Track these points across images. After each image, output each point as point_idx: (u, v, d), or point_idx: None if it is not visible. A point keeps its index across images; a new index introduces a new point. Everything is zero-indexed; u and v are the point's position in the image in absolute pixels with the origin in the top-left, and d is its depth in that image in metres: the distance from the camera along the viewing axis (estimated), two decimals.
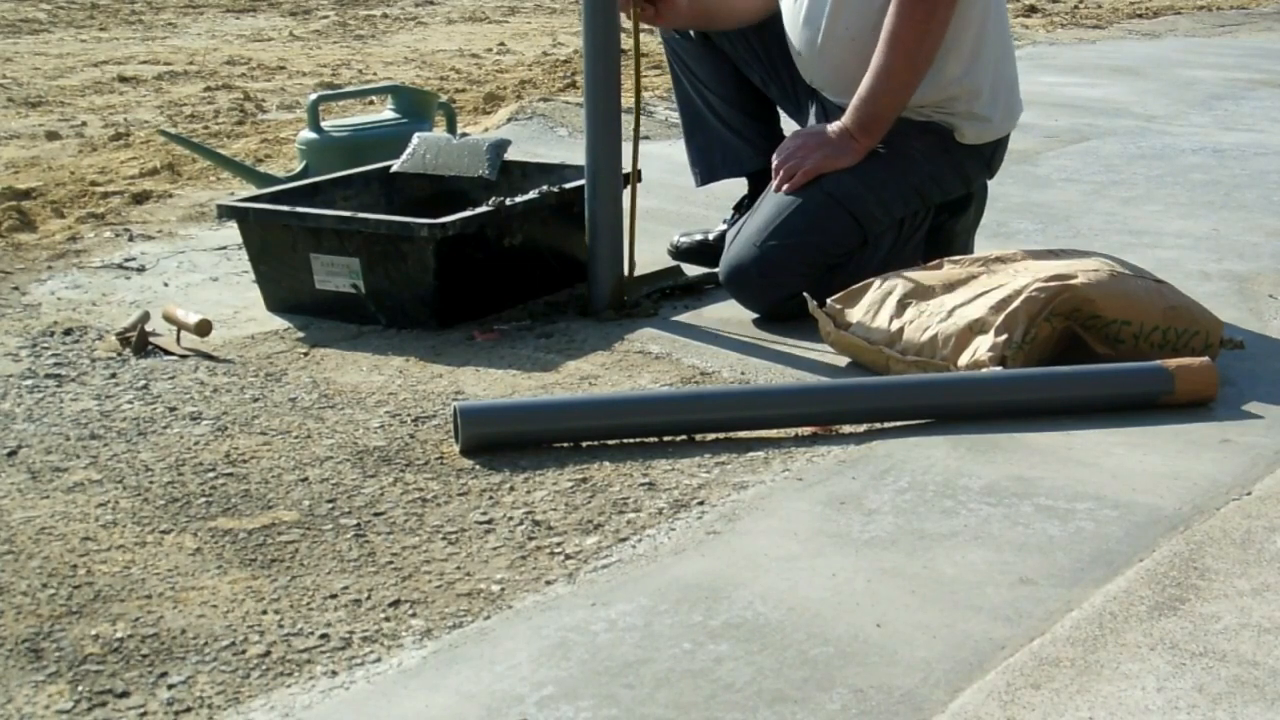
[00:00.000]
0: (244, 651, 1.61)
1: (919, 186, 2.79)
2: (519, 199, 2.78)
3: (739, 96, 3.07)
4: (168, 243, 3.33)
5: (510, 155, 3.09)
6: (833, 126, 2.74)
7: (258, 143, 4.40)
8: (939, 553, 1.83)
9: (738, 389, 2.37)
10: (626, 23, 2.85)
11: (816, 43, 2.80)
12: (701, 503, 1.98)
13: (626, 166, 2.83)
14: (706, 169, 3.14)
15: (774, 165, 2.78)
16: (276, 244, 2.76)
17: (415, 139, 3.10)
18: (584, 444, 2.17)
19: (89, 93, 5.45)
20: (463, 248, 2.67)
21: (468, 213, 2.69)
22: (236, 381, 2.44)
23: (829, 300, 2.54)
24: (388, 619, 1.68)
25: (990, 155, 2.88)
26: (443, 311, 2.68)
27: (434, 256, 2.62)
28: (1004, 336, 2.32)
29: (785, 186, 2.74)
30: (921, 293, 2.47)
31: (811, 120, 2.94)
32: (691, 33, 3.06)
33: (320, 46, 6.82)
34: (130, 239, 3.34)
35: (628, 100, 2.87)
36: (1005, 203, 3.60)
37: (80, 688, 1.54)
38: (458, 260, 2.66)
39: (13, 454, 2.14)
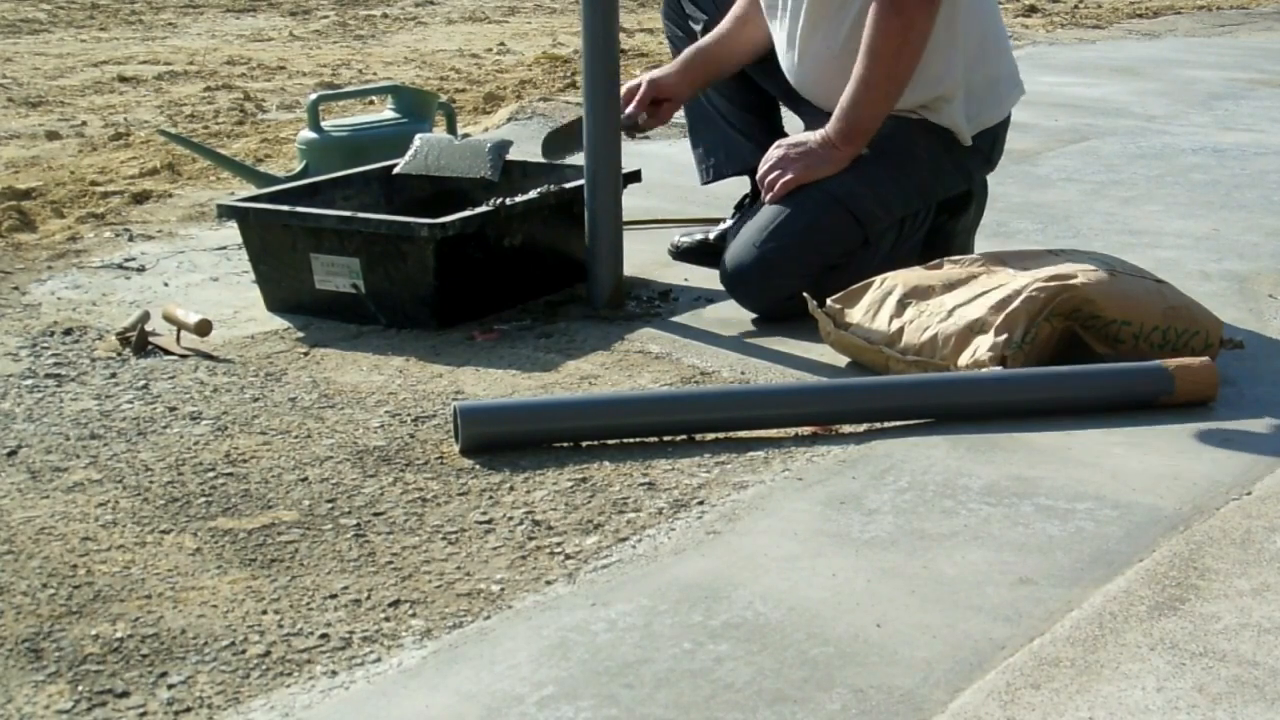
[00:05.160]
0: (244, 651, 1.61)
1: (921, 184, 2.79)
2: (519, 199, 2.78)
3: (742, 94, 3.08)
4: (168, 243, 3.33)
5: (511, 155, 3.09)
6: (815, 136, 2.75)
7: (258, 143, 4.40)
8: (939, 553, 1.83)
9: (738, 389, 2.37)
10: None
11: (798, 63, 2.85)
12: (701, 503, 1.98)
13: (627, 167, 2.84)
14: (712, 168, 3.14)
15: (759, 175, 2.79)
16: (276, 244, 2.76)
17: (417, 140, 3.10)
18: (584, 444, 2.17)
19: (89, 93, 5.45)
20: (462, 248, 2.67)
21: (467, 212, 2.69)
22: (236, 381, 2.44)
23: (829, 300, 2.54)
24: (388, 619, 1.68)
25: (990, 149, 2.89)
26: (443, 311, 2.68)
27: (434, 256, 2.62)
28: (1004, 336, 2.32)
29: (768, 196, 2.75)
30: (921, 293, 2.47)
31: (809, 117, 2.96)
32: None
33: (320, 46, 6.82)
34: (130, 239, 3.34)
35: None
36: (1005, 203, 3.60)
37: (80, 688, 1.54)
38: (458, 260, 2.67)
39: (13, 454, 2.14)
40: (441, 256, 2.63)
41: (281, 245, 2.75)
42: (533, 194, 2.81)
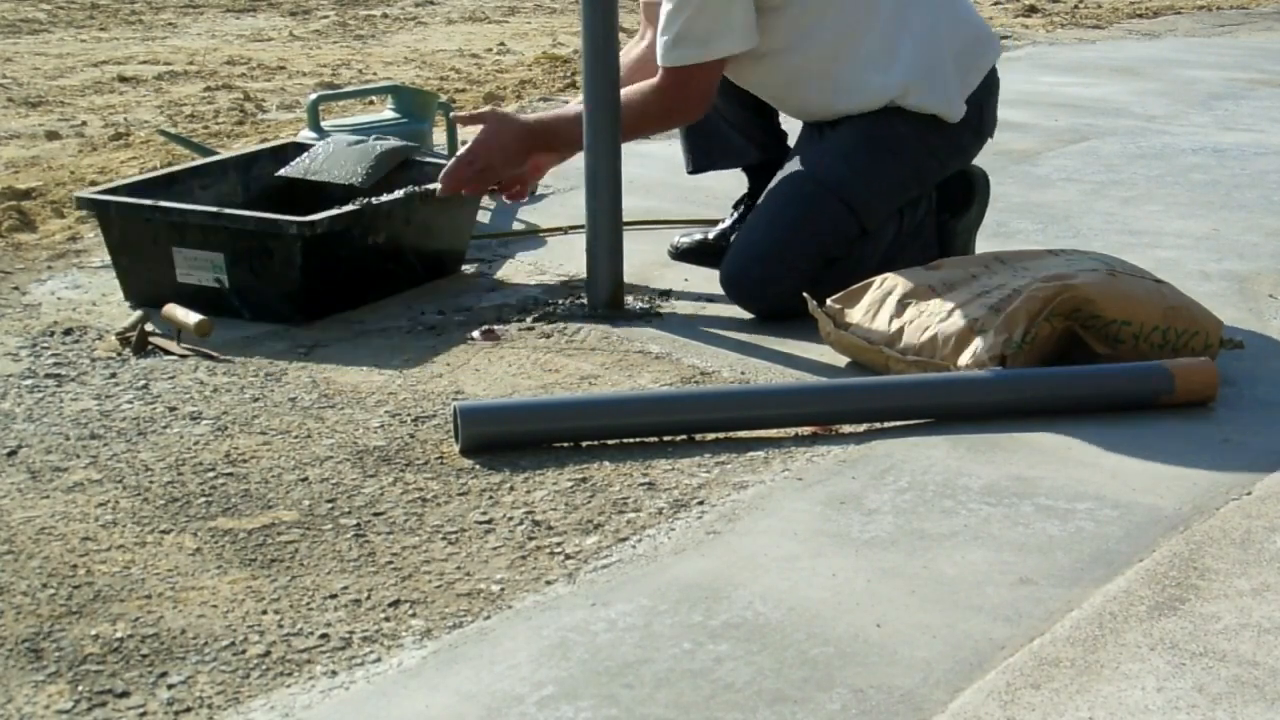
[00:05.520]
0: (244, 651, 1.61)
1: (914, 166, 2.78)
2: (384, 199, 2.81)
3: (738, 90, 3.07)
4: None
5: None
6: (523, 120, 2.83)
7: (258, 143, 4.39)
8: (939, 553, 1.83)
9: (738, 389, 2.38)
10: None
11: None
12: (701, 503, 1.98)
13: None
14: (701, 157, 3.13)
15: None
16: (137, 237, 2.77)
17: (319, 145, 3.12)
18: (584, 444, 2.17)
19: (89, 93, 5.45)
20: (329, 245, 2.71)
21: (334, 211, 2.73)
22: (236, 381, 2.44)
23: (829, 300, 2.54)
24: (388, 619, 1.68)
25: (979, 120, 2.87)
26: (307, 306, 2.72)
27: (301, 254, 2.66)
28: (1004, 336, 2.32)
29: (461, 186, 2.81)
30: (921, 293, 2.47)
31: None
32: None
33: (320, 46, 6.82)
34: None
35: None
36: (1005, 203, 3.60)
37: (80, 688, 1.54)
38: (324, 257, 2.71)
39: (13, 454, 2.14)
40: (308, 254, 2.66)
41: (142, 239, 2.76)
42: (398, 194, 2.83)
